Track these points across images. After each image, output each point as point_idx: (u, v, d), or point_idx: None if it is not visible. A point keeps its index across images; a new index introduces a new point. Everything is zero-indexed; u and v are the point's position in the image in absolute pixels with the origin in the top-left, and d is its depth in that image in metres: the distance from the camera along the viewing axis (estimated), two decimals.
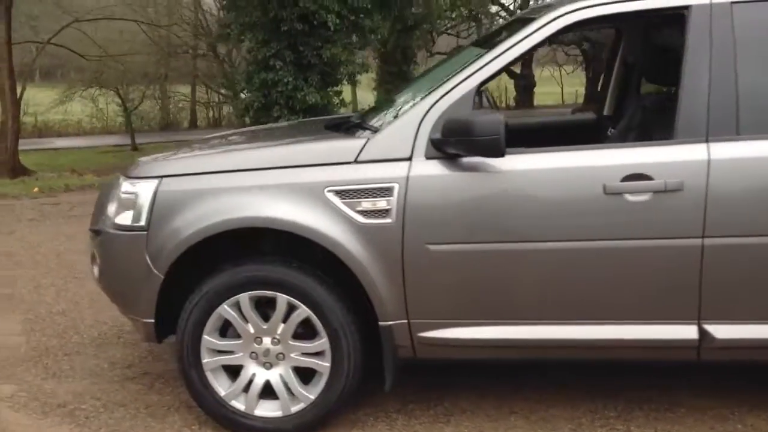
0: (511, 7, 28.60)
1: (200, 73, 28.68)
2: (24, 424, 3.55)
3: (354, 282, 3.22)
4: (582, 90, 36.30)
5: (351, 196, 3.15)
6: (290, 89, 12.52)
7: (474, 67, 3.19)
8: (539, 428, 3.40)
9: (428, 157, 3.14)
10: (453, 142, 3.04)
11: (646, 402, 3.57)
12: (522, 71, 34.75)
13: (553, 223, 3.07)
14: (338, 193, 3.16)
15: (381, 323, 3.22)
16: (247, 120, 13.09)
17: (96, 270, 3.55)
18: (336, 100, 13.03)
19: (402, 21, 12.40)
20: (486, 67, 3.19)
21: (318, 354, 3.29)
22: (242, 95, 13.45)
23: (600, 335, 3.15)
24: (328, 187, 3.17)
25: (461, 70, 3.22)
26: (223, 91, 27.03)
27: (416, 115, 3.18)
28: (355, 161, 3.20)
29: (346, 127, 3.71)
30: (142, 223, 3.31)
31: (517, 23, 3.53)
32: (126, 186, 3.41)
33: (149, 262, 3.29)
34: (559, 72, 38.93)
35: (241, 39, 12.82)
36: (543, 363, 3.77)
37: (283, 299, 3.24)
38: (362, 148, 3.20)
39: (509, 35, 3.28)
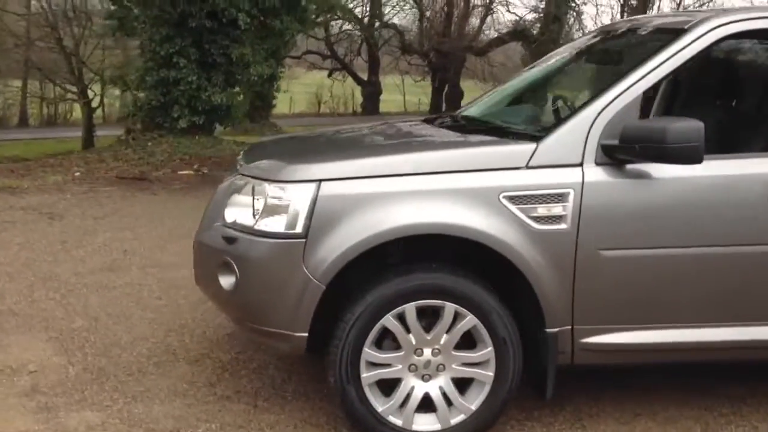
0: None
1: (38, 66, 26.83)
2: None
3: (513, 290, 3.18)
4: (424, 99, 37.51)
5: (525, 202, 3.11)
6: (194, 88, 12.01)
7: (636, 76, 3.24)
8: (671, 428, 3.49)
9: (597, 163, 3.16)
10: (637, 149, 3.06)
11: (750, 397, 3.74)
12: (369, 78, 35.37)
13: (735, 227, 3.17)
14: (512, 198, 3.11)
15: (548, 330, 3.19)
16: (137, 120, 12.44)
17: (228, 281, 3.25)
18: (240, 100, 12.61)
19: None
20: (647, 76, 3.25)
21: (480, 364, 3.21)
22: (133, 93, 12.70)
23: None
24: (503, 192, 3.11)
25: (623, 78, 3.25)
26: (68, 86, 25.41)
27: (585, 122, 3.19)
28: (527, 167, 3.16)
29: (481, 130, 3.64)
30: (299, 230, 3.09)
31: (657, 33, 3.60)
32: (273, 190, 3.16)
33: (307, 271, 3.08)
34: (402, 80, 39.84)
35: (138, 32, 12.12)
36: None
37: (450, 308, 3.15)
38: (533, 154, 3.16)
39: (663, 45, 3.33)
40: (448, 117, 4.28)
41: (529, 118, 3.62)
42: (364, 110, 35.50)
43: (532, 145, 3.20)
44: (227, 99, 12.22)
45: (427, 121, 4.32)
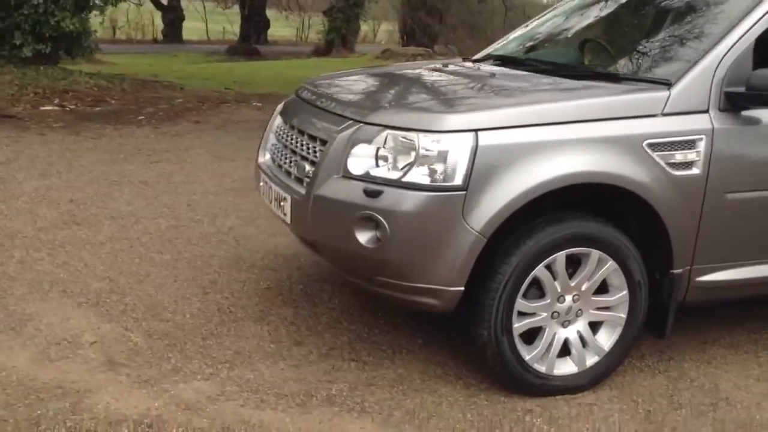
0: None
1: None
2: (296, 424, 3.01)
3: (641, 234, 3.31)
4: (228, 27, 36.24)
5: (664, 149, 3.21)
6: (40, 13, 10.81)
7: (749, 22, 3.37)
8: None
9: (721, 110, 3.31)
10: (765, 96, 3.22)
11: None
12: (170, 2, 33.48)
13: None
14: (653, 146, 3.20)
15: (674, 271, 3.34)
16: None
17: (368, 236, 3.08)
18: (93, 28, 11.52)
19: None
20: (759, 22, 3.39)
21: (614, 307, 3.31)
22: None
23: None
24: (646, 140, 3.18)
25: (737, 24, 3.38)
26: None
27: (708, 69, 3.31)
28: (662, 114, 3.24)
29: (586, 76, 3.64)
30: (458, 182, 2.98)
31: None
32: (427, 141, 3.01)
33: (468, 224, 2.99)
34: (204, 7, 38.22)
35: None
36: None
37: (596, 255, 3.21)
38: (667, 101, 3.25)
39: None
40: (498, 58, 4.28)
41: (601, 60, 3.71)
42: (166, 37, 33.70)
43: (665, 92, 3.27)
44: (79, 25, 11.11)
45: (477, 61, 4.29)
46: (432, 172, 3.00)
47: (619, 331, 3.34)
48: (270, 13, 35.50)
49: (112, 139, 7.85)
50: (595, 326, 3.35)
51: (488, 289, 3.10)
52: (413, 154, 3.03)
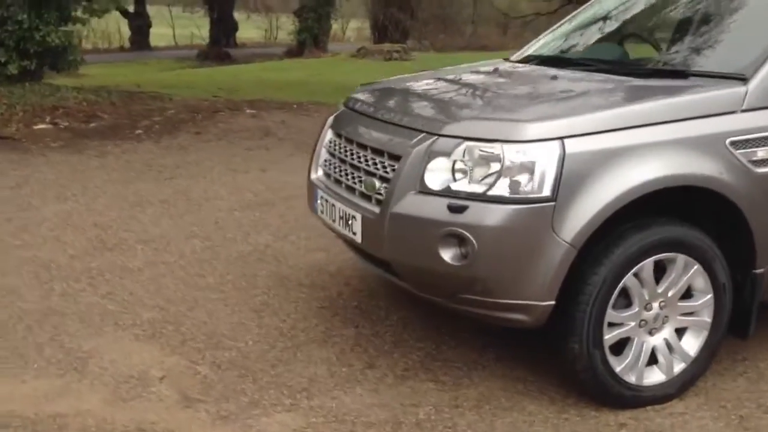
0: None
1: None
2: None
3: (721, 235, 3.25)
4: (197, 31, 35.86)
5: (746, 146, 3.16)
6: (24, 28, 10.55)
7: None
8: None
9: None
10: None
11: None
12: (137, 9, 33.03)
13: None
14: (735, 143, 3.14)
15: (756, 271, 3.29)
16: None
17: (454, 253, 2.98)
18: (75, 41, 11.27)
19: None
20: None
21: (699, 311, 3.25)
22: None
23: None
24: (728, 138, 3.13)
25: None
26: None
27: None
28: (741, 110, 3.18)
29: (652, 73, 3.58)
30: (547, 193, 2.90)
31: None
32: (512, 152, 2.92)
33: (559, 236, 2.91)
34: (170, 12, 37.80)
35: None
36: None
37: (682, 259, 3.14)
38: (745, 96, 3.19)
39: None
40: (545, 59, 4.20)
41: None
42: (133, 45, 33.26)
43: (742, 88, 3.21)
44: (64, 38, 10.87)
45: (522, 62, 4.22)
46: (519, 184, 2.92)
47: (705, 335, 3.28)
48: (236, 15, 35.23)
49: (117, 156, 7.66)
50: (680, 332, 3.29)
51: (579, 301, 3.02)
52: (497, 165, 2.94)
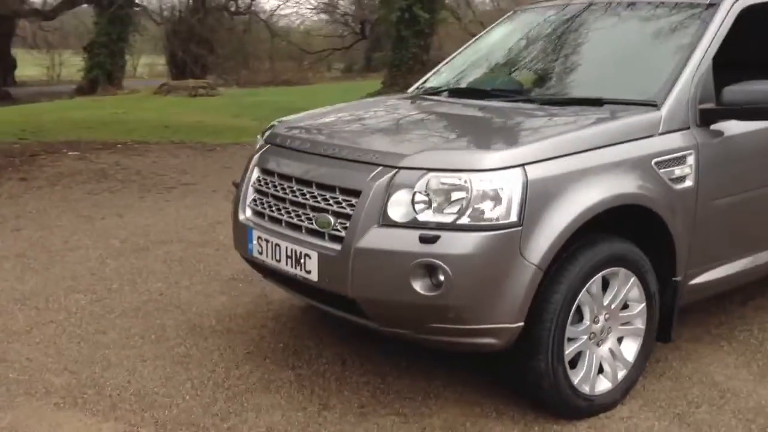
0: None
1: None
2: None
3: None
4: None
5: (666, 166, 3.46)
6: None
7: (704, 46, 3.71)
8: None
9: (698, 125, 3.62)
10: (739, 110, 3.56)
11: None
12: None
13: None
14: (658, 164, 3.43)
15: (676, 278, 3.60)
16: None
17: (427, 284, 3.01)
18: None
19: None
20: (711, 46, 3.74)
21: (634, 319, 3.49)
22: None
23: None
24: (653, 159, 3.41)
25: (697, 45, 3.70)
26: None
27: (685, 89, 3.59)
28: (659, 133, 3.49)
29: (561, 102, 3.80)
30: (514, 218, 3.02)
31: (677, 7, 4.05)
32: (479, 181, 3.01)
33: (527, 259, 3.04)
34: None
35: None
36: None
37: (623, 273, 3.37)
38: (661, 121, 3.50)
39: (703, 17, 3.84)
40: (452, 90, 4.34)
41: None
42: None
43: (658, 113, 3.51)
44: None
45: (432, 94, 4.33)
46: (487, 212, 2.99)
47: (640, 341, 3.52)
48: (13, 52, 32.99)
49: None
50: (620, 340, 3.50)
51: (543, 320, 3.14)
52: (464, 194, 3.00)
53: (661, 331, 3.64)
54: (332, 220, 3.23)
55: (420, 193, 3.07)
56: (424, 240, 2.99)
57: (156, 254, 5.59)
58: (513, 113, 3.73)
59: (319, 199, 3.32)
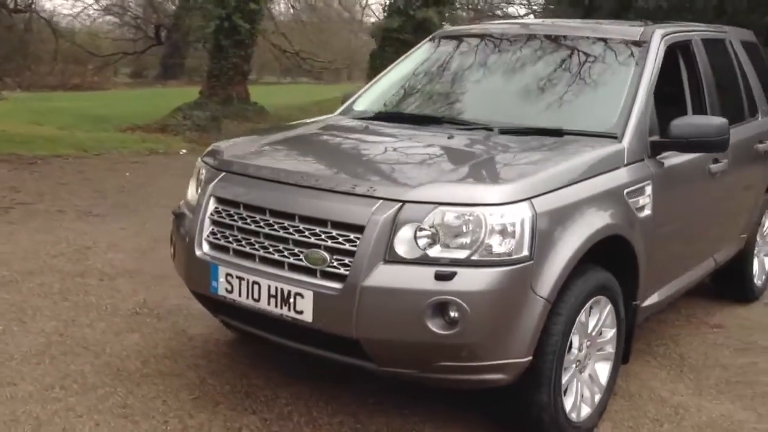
0: None
1: None
2: None
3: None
4: None
5: (633, 196, 3.59)
6: None
7: (647, 81, 3.90)
8: None
9: (649, 157, 3.79)
10: (686, 143, 3.77)
11: None
12: None
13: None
14: (628, 194, 3.56)
15: (636, 302, 3.74)
16: None
17: (441, 323, 2.89)
18: None
19: None
20: (650, 82, 3.94)
21: (607, 344, 3.59)
22: None
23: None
24: (625, 189, 3.53)
25: (641, 79, 3.88)
26: None
27: (640, 122, 3.74)
28: (624, 165, 3.61)
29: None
30: (525, 253, 2.98)
31: (609, 42, 4.22)
32: (492, 215, 2.93)
33: (537, 293, 3.02)
34: None
35: None
36: None
37: (605, 301, 3.45)
38: (625, 153, 3.62)
39: (635, 55, 4.05)
40: (398, 115, 4.21)
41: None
42: None
43: (622, 145, 3.62)
44: None
45: (375, 119, 4.19)
46: (500, 246, 2.92)
47: (610, 365, 3.60)
48: None
49: None
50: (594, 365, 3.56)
51: (545, 352, 3.12)
52: (478, 229, 2.91)
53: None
54: (327, 256, 3.00)
55: (428, 227, 2.93)
56: (440, 277, 2.87)
57: (29, 287, 4.96)
58: (488, 144, 3.66)
59: (307, 233, 3.08)
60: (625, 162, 3.59)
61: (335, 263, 2.99)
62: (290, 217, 3.14)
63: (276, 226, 3.16)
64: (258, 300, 3.15)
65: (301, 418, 3.47)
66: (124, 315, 4.56)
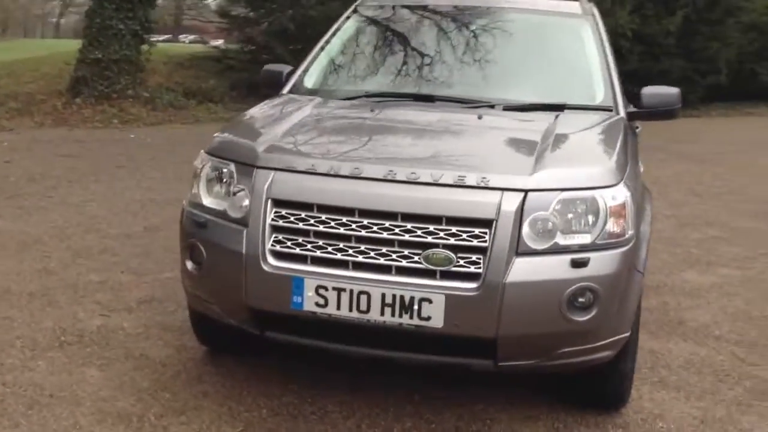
0: None
1: None
2: None
3: None
4: None
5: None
6: None
7: (611, 57, 4.12)
8: None
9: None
10: (655, 112, 4.00)
11: None
12: None
13: None
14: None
15: None
16: None
17: (582, 307, 2.87)
18: None
19: None
20: (612, 54, 4.17)
21: None
22: None
23: None
24: (638, 159, 3.77)
25: (606, 57, 4.08)
26: None
27: (620, 94, 3.94)
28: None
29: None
30: (632, 231, 3.01)
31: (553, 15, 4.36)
32: (609, 198, 2.94)
33: (637, 268, 3.12)
34: None
35: None
36: None
37: None
38: (624, 124, 3.83)
39: (594, 30, 4.26)
40: (389, 95, 3.94)
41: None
42: None
43: (622, 116, 3.78)
44: None
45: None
46: (616, 227, 2.95)
47: None
48: None
49: None
50: None
51: (634, 323, 3.23)
52: (600, 212, 2.91)
53: None
54: (452, 255, 2.80)
55: (552, 215, 2.86)
56: (576, 264, 2.83)
57: None
58: (531, 123, 3.57)
59: (419, 232, 2.83)
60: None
61: (461, 262, 2.79)
62: (390, 216, 2.85)
63: (375, 228, 2.85)
64: (366, 311, 2.83)
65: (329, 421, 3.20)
66: (50, 348, 3.80)
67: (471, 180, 2.87)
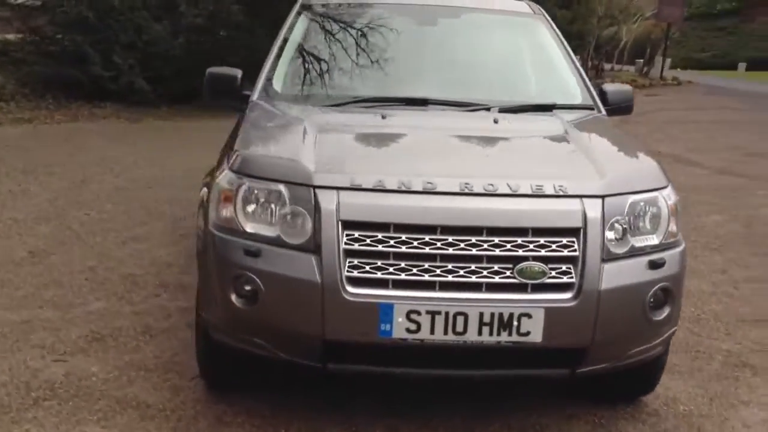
0: None
1: None
2: None
3: None
4: None
5: None
6: None
7: (572, 54, 4.25)
8: None
9: None
10: (617, 108, 4.11)
11: None
12: None
13: None
14: None
15: None
16: None
17: (659, 305, 2.96)
18: None
19: None
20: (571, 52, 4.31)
21: None
22: None
23: None
24: None
25: (567, 54, 4.20)
26: None
27: (592, 90, 4.10)
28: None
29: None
30: (678, 227, 3.17)
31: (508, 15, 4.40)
32: (670, 199, 3.04)
33: None
34: None
35: None
36: None
37: None
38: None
39: (547, 26, 4.36)
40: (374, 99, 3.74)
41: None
42: None
43: (604, 113, 3.92)
44: None
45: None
46: (674, 226, 3.04)
47: None
48: None
49: None
50: None
51: None
52: (663, 213, 2.99)
53: None
54: (545, 267, 2.75)
55: (626, 218, 2.90)
56: (654, 266, 2.89)
57: None
58: (539, 124, 3.56)
59: (509, 246, 2.74)
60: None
61: (553, 273, 2.75)
62: (475, 231, 2.74)
63: (462, 245, 2.72)
64: (463, 332, 2.70)
65: None
66: (26, 407, 3.27)
67: (548, 188, 2.82)
